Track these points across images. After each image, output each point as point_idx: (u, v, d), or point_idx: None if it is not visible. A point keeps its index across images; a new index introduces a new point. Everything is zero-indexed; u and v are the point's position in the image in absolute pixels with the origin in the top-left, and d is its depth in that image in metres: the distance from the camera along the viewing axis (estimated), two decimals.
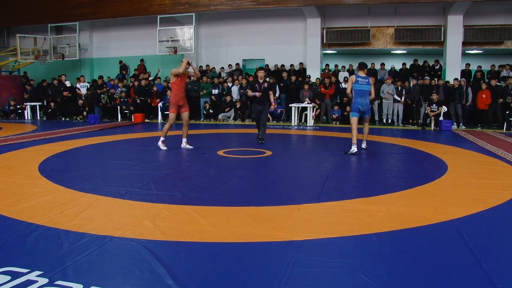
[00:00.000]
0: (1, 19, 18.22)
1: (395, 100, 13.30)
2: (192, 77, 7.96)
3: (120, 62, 17.76)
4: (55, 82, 16.43)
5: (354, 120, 7.60)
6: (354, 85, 7.54)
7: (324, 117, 14.27)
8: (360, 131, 7.82)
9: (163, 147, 7.85)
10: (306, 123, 13.52)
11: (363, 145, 8.02)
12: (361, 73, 7.62)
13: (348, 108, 13.53)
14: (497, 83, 12.55)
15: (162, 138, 7.95)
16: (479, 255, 2.94)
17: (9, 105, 16.26)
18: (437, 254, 3.00)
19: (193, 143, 8.28)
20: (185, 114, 7.96)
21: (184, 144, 8.08)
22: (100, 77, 16.22)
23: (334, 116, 13.56)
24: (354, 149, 7.43)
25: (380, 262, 2.85)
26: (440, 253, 3.01)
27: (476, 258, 2.89)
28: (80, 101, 15.11)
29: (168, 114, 13.97)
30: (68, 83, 16.02)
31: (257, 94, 8.57)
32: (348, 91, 7.69)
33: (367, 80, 7.57)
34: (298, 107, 13.71)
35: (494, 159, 6.96)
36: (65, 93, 15.58)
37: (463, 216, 3.85)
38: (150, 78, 16.17)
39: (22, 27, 18.41)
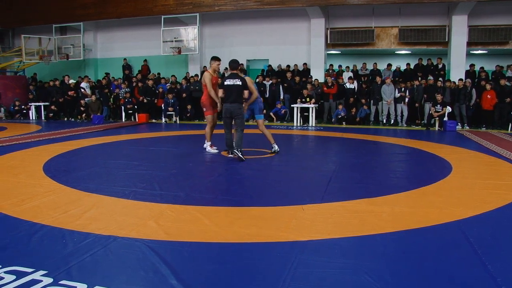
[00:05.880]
0: (6, 20, 18.30)
1: (398, 100, 13.26)
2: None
3: (124, 60, 17.76)
4: (57, 82, 16.48)
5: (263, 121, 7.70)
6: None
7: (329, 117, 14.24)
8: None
9: (213, 151, 7.59)
10: (309, 124, 13.47)
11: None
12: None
13: (354, 109, 13.52)
14: (506, 83, 12.46)
15: (208, 143, 7.68)
16: (484, 256, 2.93)
17: (14, 105, 16.33)
18: (441, 255, 2.98)
19: (198, 143, 8.26)
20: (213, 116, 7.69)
21: (208, 147, 7.79)
22: (107, 74, 16.20)
23: (340, 116, 13.48)
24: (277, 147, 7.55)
25: (384, 262, 2.85)
26: (444, 254, 2.99)
27: (481, 259, 2.88)
28: (82, 101, 15.13)
29: (169, 114, 14.16)
30: (71, 81, 16.08)
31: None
32: (256, 93, 7.44)
33: None
34: (301, 108, 13.67)
35: (499, 160, 6.92)
36: (70, 93, 15.62)
37: (468, 217, 3.84)
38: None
39: (27, 27, 18.49)
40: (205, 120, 7.76)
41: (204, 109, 7.63)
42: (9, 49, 19.27)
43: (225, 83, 6.98)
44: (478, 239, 3.25)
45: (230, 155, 7.12)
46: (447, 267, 2.77)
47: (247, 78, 7.21)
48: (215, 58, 7.56)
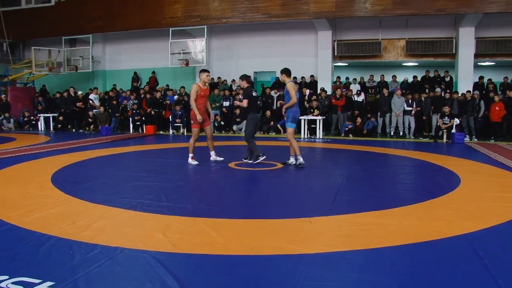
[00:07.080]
0: (17, 32, 18.61)
1: (405, 112, 13.23)
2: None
3: (135, 73, 17.93)
4: (65, 94, 16.65)
5: (293, 131, 7.34)
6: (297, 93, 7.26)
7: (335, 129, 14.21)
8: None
9: (194, 163, 7.61)
10: (316, 136, 13.45)
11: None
12: None
13: (359, 120, 13.48)
14: None
15: (191, 155, 7.70)
16: (494, 269, 2.89)
17: (23, 116, 16.51)
18: (450, 268, 2.95)
19: (205, 155, 8.25)
20: (207, 128, 7.79)
21: (213, 156, 7.94)
22: (114, 86, 16.25)
23: (347, 129, 13.46)
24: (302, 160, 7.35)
25: (392, 276, 2.82)
26: (453, 268, 2.96)
27: (491, 273, 2.84)
28: (91, 112, 15.29)
29: (177, 126, 14.22)
30: (80, 93, 16.28)
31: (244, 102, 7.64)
32: (295, 99, 7.14)
33: None
34: (308, 120, 13.67)
35: (508, 172, 6.86)
36: (78, 104, 15.79)
37: (477, 230, 3.80)
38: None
39: (37, 40, 18.77)
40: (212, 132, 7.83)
41: (192, 122, 7.72)
42: (20, 61, 19.55)
43: (253, 94, 7.76)
44: (487, 253, 3.21)
45: (249, 161, 7.60)
46: (456, 281, 2.74)
47: (290, 84, 7.19)
48: (204, 70, 7.74)
